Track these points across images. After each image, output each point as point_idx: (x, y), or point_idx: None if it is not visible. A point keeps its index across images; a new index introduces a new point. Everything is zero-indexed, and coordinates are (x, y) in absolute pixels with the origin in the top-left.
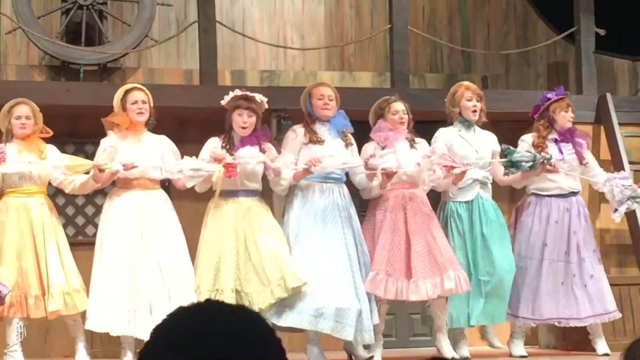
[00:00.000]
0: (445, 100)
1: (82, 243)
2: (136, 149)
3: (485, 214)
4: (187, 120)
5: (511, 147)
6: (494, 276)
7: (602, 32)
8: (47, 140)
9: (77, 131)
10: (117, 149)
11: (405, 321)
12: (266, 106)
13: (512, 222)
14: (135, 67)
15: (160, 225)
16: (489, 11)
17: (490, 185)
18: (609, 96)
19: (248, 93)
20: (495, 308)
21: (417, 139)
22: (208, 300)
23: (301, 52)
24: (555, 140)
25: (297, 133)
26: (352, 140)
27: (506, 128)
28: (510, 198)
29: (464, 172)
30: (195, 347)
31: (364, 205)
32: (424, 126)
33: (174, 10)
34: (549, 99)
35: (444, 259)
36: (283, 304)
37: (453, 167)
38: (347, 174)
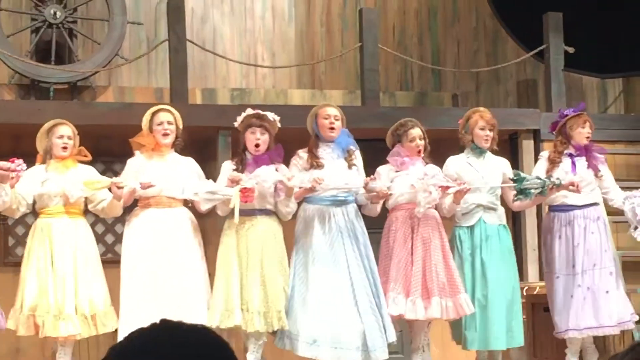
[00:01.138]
0: (459, 124)
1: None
2: (161, 170)
3: (487, 239)
4: None
5: (521, 174)
6: (488, 301)
7: (571, 50)
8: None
9: None
10: (143, 169)
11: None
12: (279, 125)
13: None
14: (105, 86)
15: (178, 244)
16: (459, 29)
17: (499, 210)
18: None
19: (260, 111)
20: (490, 334)
21: (431, 165)
22: (164, 321)
23: (272, 70)
24: (570, 155)
25: (300, 157)
26: (356, 160)
27: None
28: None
29: (461, 192)
30: None
31: (375, 222)
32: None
33: (144, 29)
34: (567, 115)
35: (433, 284)
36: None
37: (448, 187)
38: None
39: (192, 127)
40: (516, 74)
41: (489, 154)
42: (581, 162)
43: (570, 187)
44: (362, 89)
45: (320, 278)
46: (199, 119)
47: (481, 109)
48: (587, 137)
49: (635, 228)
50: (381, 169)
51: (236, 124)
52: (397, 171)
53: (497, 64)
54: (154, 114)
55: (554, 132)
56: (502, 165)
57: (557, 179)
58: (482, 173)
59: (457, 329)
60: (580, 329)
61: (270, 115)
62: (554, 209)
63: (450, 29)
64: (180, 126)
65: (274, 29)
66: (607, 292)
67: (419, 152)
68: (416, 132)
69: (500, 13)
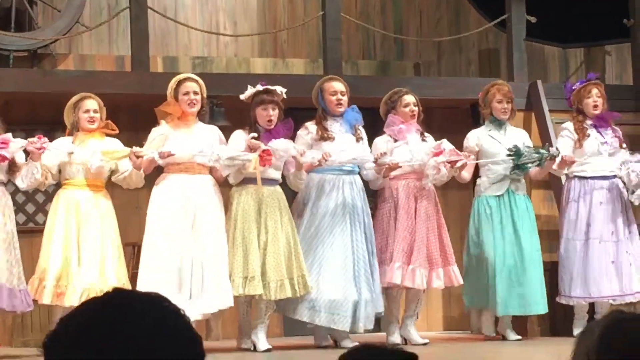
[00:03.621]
0: (479, 98)
1: (32, 230)
2: (186, 139)
3: (517, 207)
4: (119, 107)
5: (520, 149)
6: (525, 269)
7: (532, 19)
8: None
9: (7, 118)
10: (168, 138)
11: None
12: (284, 96)
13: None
14: (66, 53)
15: (205, 211)
16: None
17: (523, 181)
18: (539, 83)
19: (269, 87)
20: (531, 299)
21: (426, 134)
22: (117, 289)
23: (234, 39)
24: (594, 126)
25: (309, 130)
26: (363, 135)
27: (439, 114)
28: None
29: (464, 165)
30: (103, 337)
31: (375, 194)
32: None
33: None
34: (573, 89)
35: (437, 256)
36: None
37: (456, 162)
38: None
39: (153, 95)
40: (478, 44)
41: (508, 125)
42: (608, 132)
43: (566, 156)
44: (325, 58)
45: (325, 246)
46: (161, 87)
47: (499, 81)
48: (595, 106)
49: (632, 192)
50: (379, 141)
51: (243, 97)
52: (395, 141)
53: (460, 33)
54: (179, 83)
55: (572, 107)
56: (522, 137)
57: (557, 149)
58: (504, 144)
59: (479, 295)
60: (601, 295)
61: (279, 90)
62: (575, 175)
63: None
64: (205, 95)
65: None
66: (629, 263)
67: (413, 116)
68: (410, 98)
69: None
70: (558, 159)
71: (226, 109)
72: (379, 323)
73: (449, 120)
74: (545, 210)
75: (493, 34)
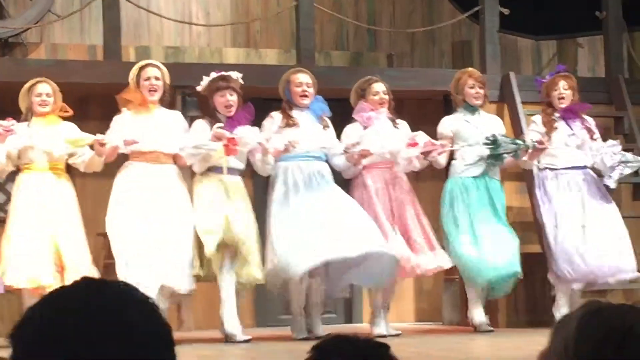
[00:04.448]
0: (450, 86)
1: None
2: (147, 126)
3: (493, 190)
4: (90, 97)
5: (498, 139)
6: (497, 240)
7: (506, 11)
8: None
9: None
10: (129, 126)
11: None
12: (241, 82)
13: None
14: (37, 43)
15: (168, 200)
16: None
17: (496, 166)
18: (512, 75)
19: (224, 73)
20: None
21: (399, 120)
22: (85, 278)
23: (206, 29)
24: (563, 118)
25: (273, 118)
26: (329, 124)
27: (412, 105)
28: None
29: (445, 152)
30: (71, 327)
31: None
32: (330, 104)
33: None
34: (542, 82)
35: (421, 241)
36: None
37: (430, 152)
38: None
39: (126, 85)
40: (451, 35)
41: (482, 112)
42: (577, 124)
43: (539, 146)
44: (298, 48)
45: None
46: None
47: (470, 69)
48: (561, 98)
49: (609, 177)
50: (349, 129)
51: (199, 89)
52: (365, 128)
53: (433, 24)
54: (141, 69)
55: (543, 101)
56: (496, 123)
57: (532, 140)
58: (481, 129)
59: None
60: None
61: (234, 75)
62: (545, 167)
63: None
64: (168, 82)
65: None
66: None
67: (382, 104)
68: (379, 86)
69: None
70: (530, 150)
71: (198, 99)
72: (351, 314)
73: (422, 111)
74: (517, 202)
75: (466, 26)
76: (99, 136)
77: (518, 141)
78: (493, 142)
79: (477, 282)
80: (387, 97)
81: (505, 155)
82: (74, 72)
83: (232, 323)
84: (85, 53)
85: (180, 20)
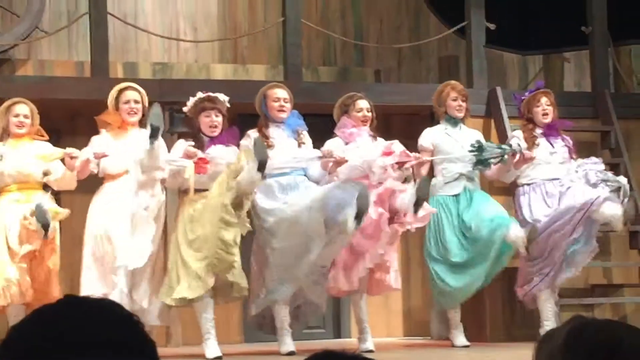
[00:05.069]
0: (432, 99)
1: None
2: (124, 147)
3: (478, 196)
4: (78, 113)
5: (483, 144)
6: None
7: (492, 26)
8: None
9: None
10: (107, 147)
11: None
12: (228, 105)
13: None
14: (25, 59)
15: (140, 219)
16: (381, 5)
17: (477, 180)
18: (499, 90)
19: (210, 94)
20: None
21: (379, 139)
22: (68, 296)
23: (194, 45)
24: (544, 135)
25: (251, 137)
26: (306, 139)
27: (399, 121)
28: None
29: (421, 164)
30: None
31: None
32: (317, 119)
33: (64, 2)
34: (522, 99)
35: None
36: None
37: (405, 163)
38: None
39: None
40: (438, 50)
41: (463, 126)
42: (558, 141)
43: (526, 153)
44: (285, 63)
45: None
46: None
47: (452, 82)
48: (545, 114)
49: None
50: (331, 143)
51: (186, 109)
52: (346, 143)
53: (420, 40)
54: (120, 91)
55: (524, 118)
56: (476, 137)
57: (518, 145)
58: (461, 142)
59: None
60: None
61: (221, 97)
62: (523, 184)
63: (373, 4)
64: (147, 104)
65: (196, 3)
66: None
67: (364, 122)
68: (363, 103)
69: None
70: (518, 156)
71: (186, 116)
72: (339, 329)
73: (409, 126)
74: None
75: (453, 41)
76: (68, 150)
77: (504, 146)
78: (478, 149)
79: (449, 307)
80: (370, 114)
81: (491, 160)
82: (61, 89)
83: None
84: (73, 69)
85: (168, 37)
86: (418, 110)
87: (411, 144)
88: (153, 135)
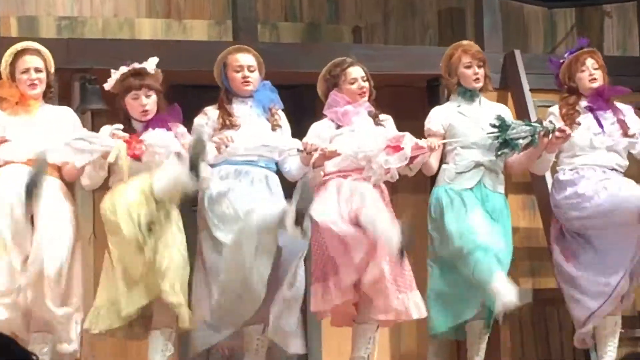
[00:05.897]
0: (441, 66)
1: None
2: (26, 127)
3: (492, 203)
4: None
5: (506, 120)
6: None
7: None
8: None
9: None
10: (4, 128)
11: None
12: (161, 75)
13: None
14: None
15: (45, 217)
16: None
17: (502, 176)
18: (517, 53)
19: (136, 65)
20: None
21: (383, 115)
22: None
23: None
24: (590, 108)
25: (208, 116)
26: (283, 121)
27: (386, 95)
28: None
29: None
30: None
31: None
32: (278, 91)
33: None
34: (561, 63)
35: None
36: None
37: (416, 158)
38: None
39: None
40: (437, 2)
41: (483, 99)
42: (607, 116)
43: (558, 134)
44: (234, 19)
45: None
46: None
47: (464, 42)
48: (592, 80)
49: None
50: (318, 128)
51: (108, 87)
52: (338, 127)
53: None
54: (16, 56)
55: (562, 88)
56: (501, 112)
57: (551, 122)
58: (480, 123)
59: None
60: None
61: (149, 67)
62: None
63: None
64: (52, 70)
65: None
66: None
67: (362, 94)
68: (357, 71)
69: None
70: (550, 136)
71: (101, 85)
72: None
73: (398, 101)
74: (525, 221)
75: None
76: None
77: (534, 123)
78: (500, 125)
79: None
80: (367, 84)
81: (520, 141)
82: None
83: None
84: None
85: None
86: (410, 81)
87: (401, 126)
88: (27, 196)
